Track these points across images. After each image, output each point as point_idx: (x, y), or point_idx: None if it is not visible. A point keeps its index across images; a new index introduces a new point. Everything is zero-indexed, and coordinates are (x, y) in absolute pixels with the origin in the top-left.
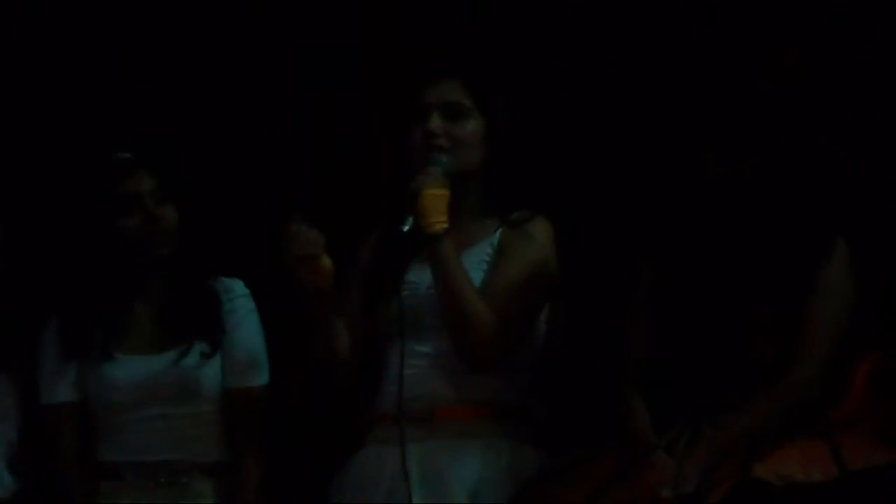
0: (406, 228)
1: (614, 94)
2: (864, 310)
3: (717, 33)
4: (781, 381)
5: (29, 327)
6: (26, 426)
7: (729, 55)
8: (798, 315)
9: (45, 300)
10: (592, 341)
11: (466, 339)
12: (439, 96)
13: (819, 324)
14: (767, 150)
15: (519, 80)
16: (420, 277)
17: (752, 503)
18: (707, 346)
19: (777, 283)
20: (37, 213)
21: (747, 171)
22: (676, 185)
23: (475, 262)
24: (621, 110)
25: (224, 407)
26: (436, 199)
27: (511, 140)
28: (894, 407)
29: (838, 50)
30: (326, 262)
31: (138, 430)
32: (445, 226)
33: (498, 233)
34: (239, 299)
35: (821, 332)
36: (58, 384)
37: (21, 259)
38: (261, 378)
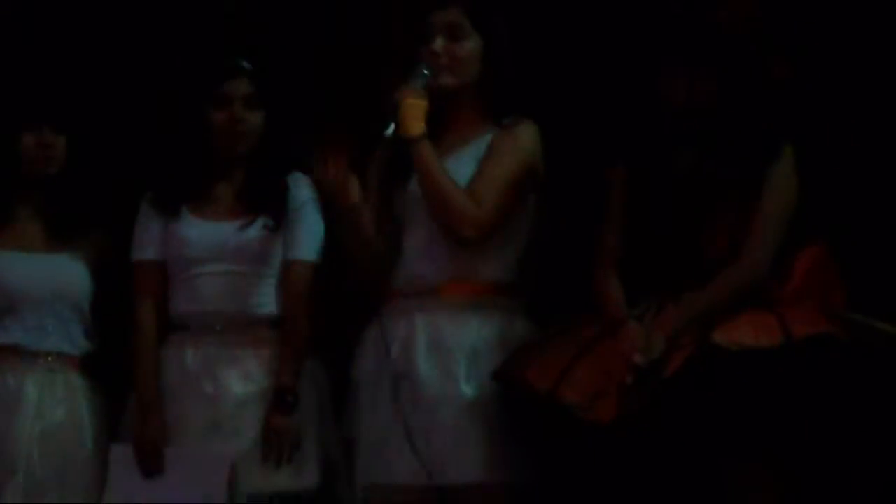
0: (388, 133)
1: (594, 26)
2: (804, 206)
3: None
4: (735, 265)
5: (99, 207)
6: (99, 293)
7: None
8: (749, 211)
9: (133, 178)
10: (574, 229)
11: (448, 222)
12: (442, 19)
13: (767, 216)
14: (722, 75)
15: (512, 5)
16: None
17: (710, 365)
18: (672, 237)
19: (731, 185)
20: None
21: (703, 94)
22: (644, 105)
23: (471, 159)
24: (600, 41)
25: (281, 275)
26: (413, 107)
27: (505, 57)
28: (828, 295)
29: None
30: (352, 182)
31: (205, 283)
32: (420, 131)
33: (490, 135)
34: (304, 188)
35: (768, 224)
36: (147, 244)
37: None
38: (314, 254)
